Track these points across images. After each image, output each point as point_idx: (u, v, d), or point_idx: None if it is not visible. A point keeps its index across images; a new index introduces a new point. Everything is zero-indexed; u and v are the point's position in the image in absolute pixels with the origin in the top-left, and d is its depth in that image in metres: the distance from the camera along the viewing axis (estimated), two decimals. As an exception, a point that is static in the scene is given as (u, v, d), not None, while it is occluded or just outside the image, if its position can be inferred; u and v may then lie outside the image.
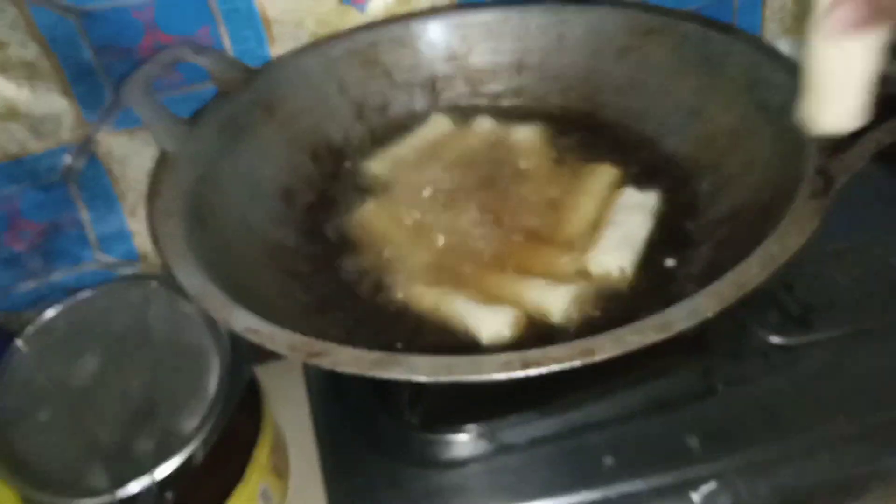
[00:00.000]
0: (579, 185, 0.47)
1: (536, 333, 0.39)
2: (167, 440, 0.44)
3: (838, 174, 0.36)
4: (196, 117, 0.47)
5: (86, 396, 0.47)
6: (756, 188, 0.41)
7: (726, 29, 0.49)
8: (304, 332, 0.32)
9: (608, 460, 0.39)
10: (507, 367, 0.28)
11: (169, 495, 0.43)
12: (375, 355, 0.29)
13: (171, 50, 0.48)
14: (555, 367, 0.27)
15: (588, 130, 0.52)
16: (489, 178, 0.48)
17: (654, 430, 0.39)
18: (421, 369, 0.28)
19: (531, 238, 0.44)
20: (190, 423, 0.45)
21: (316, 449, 0.44)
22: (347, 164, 0.52)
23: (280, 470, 0.55)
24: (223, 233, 0.42)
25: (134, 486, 0.42)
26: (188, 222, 0.40)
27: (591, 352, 0.28)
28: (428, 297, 0.42)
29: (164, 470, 0.43)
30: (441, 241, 0.45)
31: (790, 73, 0.43)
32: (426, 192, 0.48)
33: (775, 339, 0.43)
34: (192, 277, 0.35)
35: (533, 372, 0.28)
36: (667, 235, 0.44)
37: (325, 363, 0.29)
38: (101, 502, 0.42)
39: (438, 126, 0.53)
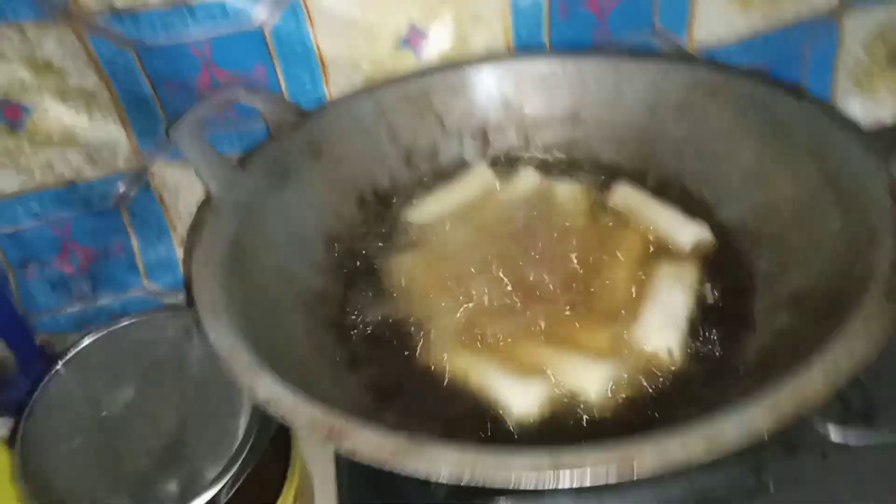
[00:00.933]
0: (619, 251, 0.45)
1: (570, 411, 0.38)
2: (192, 481, 0.44)
3: (917, 272, 0.33)
4: (244, 160, 0.47)
5: (117, 427, 0.47)
6: (821, 273, 0.38)
7: (795, 92, 0.46)
8: (332, 392, 0.32)
9: (642, 555, 0.36)
10: (537, 468, 0.26)
11: (190, 537, 0.42)
12: (396, 442, 0.28)
13: (225, 91, 0.48)
14: (588, 479, 0.26)
15: (640, 189, 0.50)
16: (529, 236, 0.47)
17: (696, 528, 0.37)
18: (443, 462, 0.27)
19: (569, 305, 0.42)
20: (216, 466, 0.45)
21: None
22: (392, 212, 0.51)
23: (303, 516, 0.54)
24: (261, 279, 0.42)
25: (155, 526, 0.42)
26: (227, 269, 0.39)
27: (629, 461, 0.26)
28: (459, 362, 0.40)
29: (186, 512, 0.42)
30: (474, 301, 0.43)
31: (863, 145, 0.41)
32: (462, 248, 0.46)
33: (836, 436, 0.39)
34: (221, 336, 0.35)
35: (565, 477, 0.26)
36: (719, 316, 0.41)
37: (345, 446, 0.28)
38: (119, 538, 0.42)
39: (480, 177, 0.52)
